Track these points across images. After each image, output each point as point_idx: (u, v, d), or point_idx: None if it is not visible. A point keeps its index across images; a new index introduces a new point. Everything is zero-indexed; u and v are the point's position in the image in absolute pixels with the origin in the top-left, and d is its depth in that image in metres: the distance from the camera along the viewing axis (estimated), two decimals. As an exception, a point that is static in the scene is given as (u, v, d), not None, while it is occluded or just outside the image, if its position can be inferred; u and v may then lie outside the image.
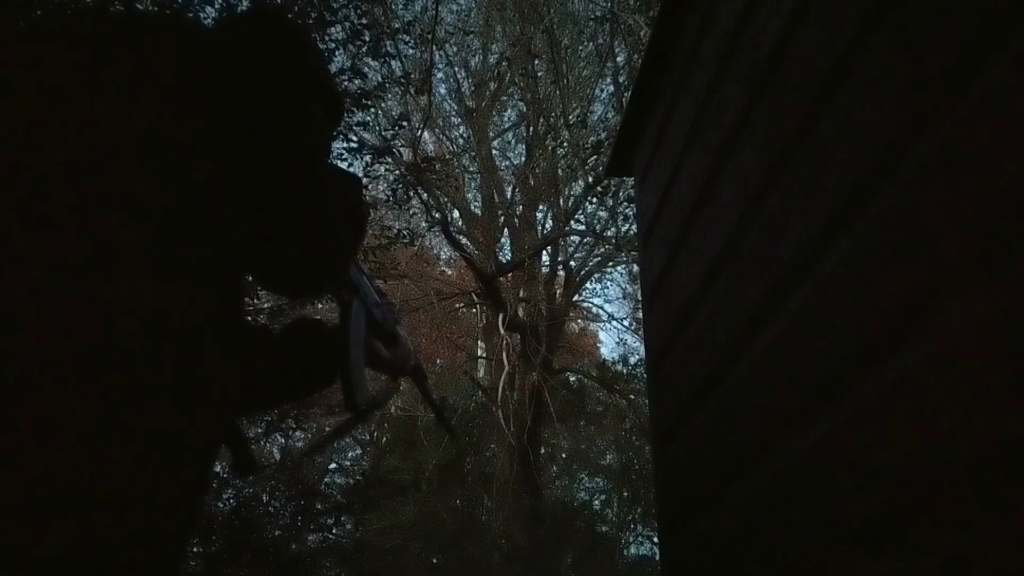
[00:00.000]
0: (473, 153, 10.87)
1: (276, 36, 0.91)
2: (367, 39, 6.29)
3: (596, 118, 9.52)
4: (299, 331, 1.02)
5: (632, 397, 10.61)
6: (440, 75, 10.36)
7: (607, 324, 14.74)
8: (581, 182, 9.90)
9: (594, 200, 9.72)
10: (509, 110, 11.75)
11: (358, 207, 0.90)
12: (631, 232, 8.64)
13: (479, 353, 11.87)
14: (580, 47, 9.73)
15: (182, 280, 0.71)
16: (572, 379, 11.87)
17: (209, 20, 4.65)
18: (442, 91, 10.86)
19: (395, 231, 8.09)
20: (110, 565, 0.61)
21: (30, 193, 0.66)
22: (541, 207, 11.11)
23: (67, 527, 0.59)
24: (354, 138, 6.88)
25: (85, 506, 0.60)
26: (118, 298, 0.65)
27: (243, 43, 0.87)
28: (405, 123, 7.93)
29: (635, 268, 9.89)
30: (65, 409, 0.60)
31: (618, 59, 8.40)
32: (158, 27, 0.81)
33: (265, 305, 6.45)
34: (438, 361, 11.90)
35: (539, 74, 9.88)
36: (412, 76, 7.83)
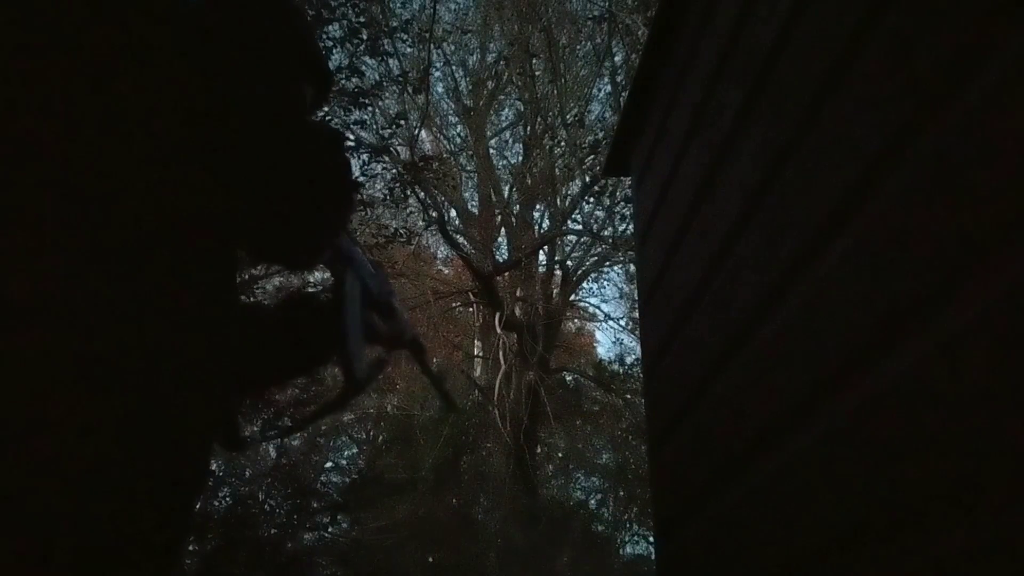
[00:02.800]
0: (470, 152, 10.87)
1: (262, 5, 0.90)
2: (365, 37, 6.28)
3: (594, 117, 9.53)
4: (294, 306, 1.01)
5: (628, 397, 10.61)
6: (438, 74, 10.34)
7: (604, 324, 14.78)
8: (578, 181, 9.90)
9: (591, 200, 9.72)
10: (507, 109, 11.75)
11: (343, 161, 0.88)
12: (628, 232, 8.65)
13: (476, 352, 11.86)
14: (578, 46, 9.73)
15: (174, 263, 0.71)
16: (569, 378, 11.87)
17: None
18: (440, 90, 10.86)
19: (392, 230, 8.08)
20: (108, 558, 0.61)
21: (15, 174, 0.65)
22: (538, 206, 11.11)
23: (62, 521, 0.58)
24: (351, 137, 6.87)
25: (80, 499, 0.60)
26: (109, 285, 0.65)
27: (228, 11, 0.86)
28: (402, 122, 7.91)
29: (632, 268, 9.90)
30: (58, 401, 0.60)
31: (616, 59, 8.41)
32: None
33: (263, 303, 6.43)
34: (435, 360, 11.88)
35: (537, 73, 9.87)
36: (410, 75, 7.81)
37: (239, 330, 0.84)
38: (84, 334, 0.62)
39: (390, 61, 7.22)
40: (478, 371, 11.61)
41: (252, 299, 5.89)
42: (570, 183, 10.18)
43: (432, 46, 7.90)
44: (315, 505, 8.17)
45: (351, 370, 0.98)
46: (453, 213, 10.69)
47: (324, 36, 5.74)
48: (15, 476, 0.57)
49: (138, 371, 0.65)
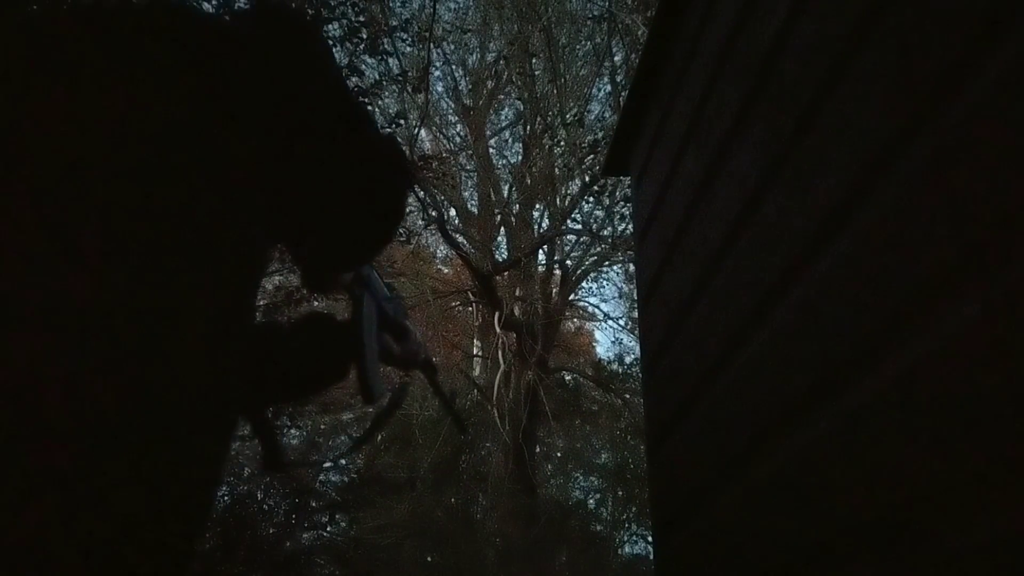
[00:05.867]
0: (470, 151, 10.86)
1: (291, 33, 0.91)
2: (364, 37, 6.28)
3: (593, 117, 9.54)
4: (310, 325, 1.02)
5: (627, 396, 10.62)
6: (437, 73, 10.35)
7: (603, 323, 14.77)
8: (578, 181, 9.91)
9: (591, 199, 9.73)
10: (506, 109, 11.76)
11: (402, 160, 0.90)
12: (627, 231, 8.65)
13: (475, 351, 11.87)
14: (578, 46, 9.73)
15: (193, 276, 0.71)
16: (568, 378, 11.88)
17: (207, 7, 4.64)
18: (439, 89, 10.86)
19: (391, 229, 8.05)
20: (118, 564, 0.61)
21: (39, 186, 0.65)
22: (538, 206, 11.12)
23: (75, 527, 0.58)
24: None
25: (94, 506, 0.59)
26: (127, 293, 0.65)
27: (260, 37, 0.86)
28: (402, 121, 7.91)
29: (631, 267, 9.89)
30: (73, 406, 0.59)
31: (615, 58, 8.40)
32: (168, 17, 0.80)
33: (261, 303, 6.44)
34: (434, 359, 11.86)
35: (536, 73, 9.87)
36: (409, 74, 7.81)
37: (256, 346, 0.84)
38: (96, 338, 0.62)
39: (390, 60, 7.21)
40: (477, 370, 11.62)
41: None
42: (569, 183, 10.19)
43: (432, 45, 7.89)
44: (313, 504, 8.17)
45: (370, 391, 1.00)
46: (452, 212, 10.69)
47: (324, 35, 5.73)
48: (29, 479, 0.57)
49: (156, 379, 0.65)
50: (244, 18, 0.93)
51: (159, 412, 0.65)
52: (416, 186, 8.26)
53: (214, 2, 4.72)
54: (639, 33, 7.09)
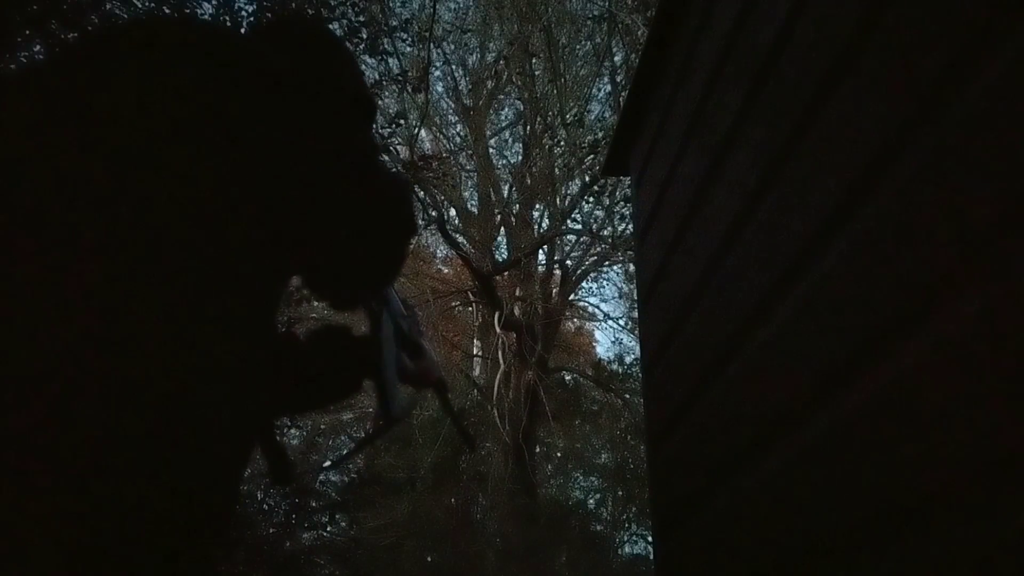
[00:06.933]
0: (470, 151, 10.86)
1: (312, 41, 0.92)
2: (364, 36, 6.28)
3: (593, 117, 9.53)
4: (326, 338, 1.02)
5: (627, 396, 10.62)
6: (437, 73, 10.34)
7: (603, 323, 14.78)
8: (578, 181, 9.92)
9: (591, 199, 9.73)
10: (506, 109, 11.76)
11: (410, 207, 0.91)
12: (627, 231, 8.65)
13: (475, 352, 11.87)
14: (578, 46, 9.73)
15: (217, 287, 0.71)
16: (568, 378, 11.88)
17: (207, 15, 4.65)
18: (439, 89, 10.86)
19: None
20: (138, 570, 0.61)
21: (68, 202, 0.66)
22: (538, 206, 11.12)
23: (95, 540, 0.58)
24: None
25: (113, 518, 0.59)
26: (150, 306, 0.65)
27: (280, 48, 0.87)
28: (402, 121, 7.91)
29: (631, 267, 9.89)
30: (93, 418, 0.59)
31: (616, 58, 8.41)
32: (192, 33, 0.81)
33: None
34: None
35: (536, 73, 9.87)
36: (409, 74, 7.81)
37: (274, 357, 0.84)
38: (118, 350, 0.62)
39: (390, 60, 7.21)
40: (477, 370, 11.62)
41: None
42: (569, 183, 10.19)
43: (432, 45, 7.90)
44: (314, 504, 8.17)
45: (389, 410, 1.00)
46: (452, 212, 10.70)
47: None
48: (42, 495, 0.57)
49: (176, 392, 0.65)
50: (271, 33, 0.94)
51: (180, 423, 0.65)
52: (416, 186, 8.26)
53: (214, 2, 4.72)
54: (639, 33, 7.09)
